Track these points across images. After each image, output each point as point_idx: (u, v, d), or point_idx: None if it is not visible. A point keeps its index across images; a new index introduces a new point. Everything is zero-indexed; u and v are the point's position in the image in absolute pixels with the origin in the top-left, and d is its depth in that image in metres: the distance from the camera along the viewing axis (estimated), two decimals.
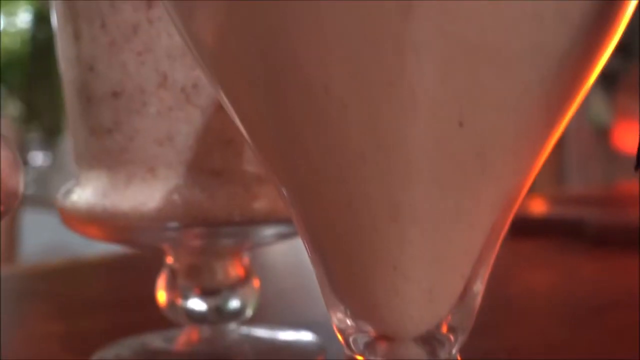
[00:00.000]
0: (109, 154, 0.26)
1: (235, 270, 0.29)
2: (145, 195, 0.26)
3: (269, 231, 0.27)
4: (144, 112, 0.26)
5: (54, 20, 0.28)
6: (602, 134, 1.89)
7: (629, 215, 0.59)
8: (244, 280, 0.29)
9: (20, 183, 0.21)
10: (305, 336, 0.31)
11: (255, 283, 0.30)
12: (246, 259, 0.29)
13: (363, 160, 0.15)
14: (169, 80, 0.25)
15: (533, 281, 0.44)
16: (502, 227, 0.17)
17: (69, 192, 0.28)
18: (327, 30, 0.14)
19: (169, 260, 0.29)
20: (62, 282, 0.49)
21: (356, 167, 0.15)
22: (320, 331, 0.32)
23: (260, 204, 0.26)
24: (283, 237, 0.28)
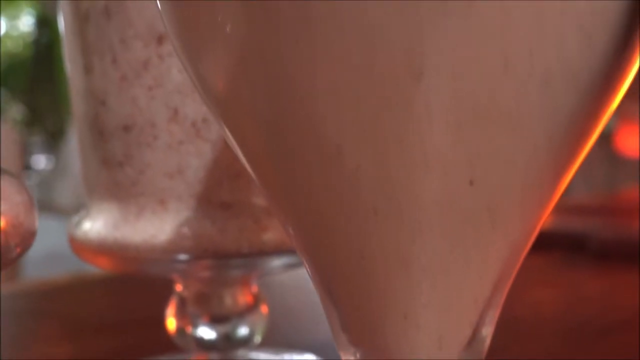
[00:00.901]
0: (120, 186, 0.27)
1: (244, 297, 0.29)
2: (156, 228, 0.26)
3: (278, 262, 0.27)
4: (155, 145, 0.26)
5: (66, 52, 0.28)
6: (605, 138, 1.89)
7: (631, 228, 0.59)
8: (253, 308, 0.30)
9: (36, 222, 0.22)
10: (310, 358, 0.32)
11: (264, 309, 0.30)
12: (255, 287, 0.30)
13: (375, 215, 0.16)
14: (179, 115, 0.26)
15: (537, 300, 0.44)
16: (510, 273, 0.18)
17: (79, 222, 0.28)
18: (340, 93, 0.14)
19: (178, 288, 0.29)
20: (67, 300, 0.49)
21: (367, 221, 0.16)
22: (324, 353, 0.32)
23: (270, 236, 0.26)
24: (292, 267, 0.28)
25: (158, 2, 0.17)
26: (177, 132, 0.26)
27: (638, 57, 0.16)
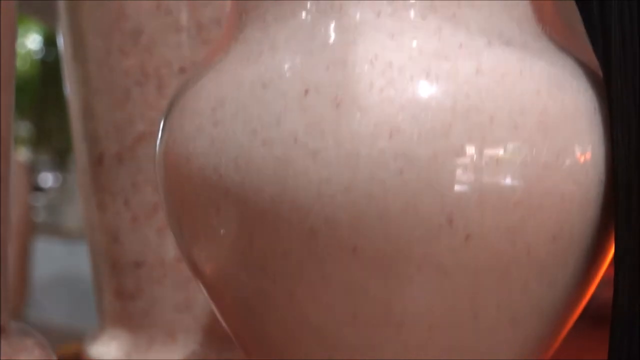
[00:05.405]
0: (131, 317, 0.29)
1: None
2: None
3: None
4: (164, 282, 0.28)
5: (79, 188, 0.30)
6: None
7: None
8: None
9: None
10: None
11: None
12: None
13: None
14: None
15: None
16: None
17: (93, 342, 0.30)
18: (327, 334, 0.16)
19: None
20: None
21: None
22: None
23: None
24: None
25: (159, 183, 0.19)
26: (185, 270, 0.28)
27: (595, 284, 0.17)
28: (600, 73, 0.17)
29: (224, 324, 0.20)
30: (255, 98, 0.16)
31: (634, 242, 0.16)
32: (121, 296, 0.29)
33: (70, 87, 0.30)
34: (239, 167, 0.15)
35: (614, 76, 0.16)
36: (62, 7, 0.30)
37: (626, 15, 0.16)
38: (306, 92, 0.15)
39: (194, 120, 0.17)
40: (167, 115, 0.18)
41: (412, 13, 0.16)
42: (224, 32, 0.19)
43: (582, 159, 0.16)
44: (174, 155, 0.17)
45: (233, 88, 0.16)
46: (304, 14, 0.16)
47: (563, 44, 0.17)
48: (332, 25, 0.16)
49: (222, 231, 0.17)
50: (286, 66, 0.16)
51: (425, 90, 0.15)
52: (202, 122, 0.16)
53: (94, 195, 0.29)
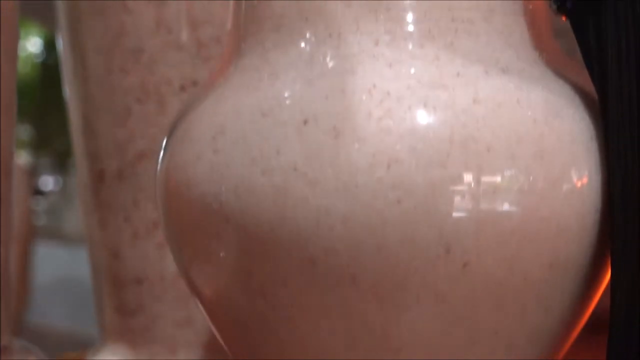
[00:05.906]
0: (133, 333, 0.29)
1: None
2: None
3: None
4: (165, 298, 0.28)
5: (80, 204, 0.30)
6: None
7: None
8: None
9: None
10: None
11: None
12: None
13: None
14: None
15: None
16: None
17: (95, 357, 0.31)
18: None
19: None
20: None
21: None
22: None
23: None
24: None
25: (159, 207, 0.19)
26: (186, 286, 0.28)
27: (591, 308, 0.18)
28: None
29: (221, 342, 0.20)
30: (255, 127, 0.16)
31: (630, 255, 0.16)
32: (122, 312, 0.29)
33: (71, 104, 0.30)
34: (239, 196, 0.16)
35: (611, 103, 0.17)
36: (63, 24, 0.30)
37: (622, 42, 0.17)
38: (305, 122, 0.15)
39: (194, 146, 0.17)
40: (168, 139, 0.18)
41: (409, 42, 0.16)
42: (223, 57, 0.19)
43: (578, 186, 0.16)
44: (175, 181, 0.17)
45: (233, 116, 0.16)
46: (303, 42, 0.16)
47: (560, 70, 0.17)
48: (331, 54, 0.16)
49: (221, 257, 0.17)
50: (285, 95, 0.16)
51: (423, 120, 0.15)
52: (202, 149, 0.17)
53: (95, 211, 0.29)
